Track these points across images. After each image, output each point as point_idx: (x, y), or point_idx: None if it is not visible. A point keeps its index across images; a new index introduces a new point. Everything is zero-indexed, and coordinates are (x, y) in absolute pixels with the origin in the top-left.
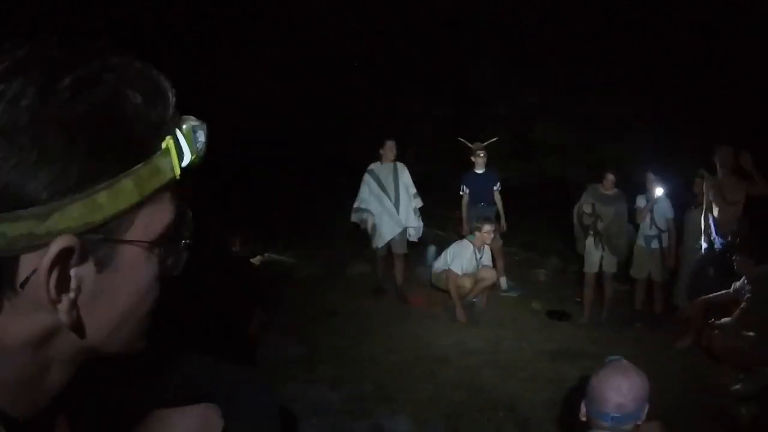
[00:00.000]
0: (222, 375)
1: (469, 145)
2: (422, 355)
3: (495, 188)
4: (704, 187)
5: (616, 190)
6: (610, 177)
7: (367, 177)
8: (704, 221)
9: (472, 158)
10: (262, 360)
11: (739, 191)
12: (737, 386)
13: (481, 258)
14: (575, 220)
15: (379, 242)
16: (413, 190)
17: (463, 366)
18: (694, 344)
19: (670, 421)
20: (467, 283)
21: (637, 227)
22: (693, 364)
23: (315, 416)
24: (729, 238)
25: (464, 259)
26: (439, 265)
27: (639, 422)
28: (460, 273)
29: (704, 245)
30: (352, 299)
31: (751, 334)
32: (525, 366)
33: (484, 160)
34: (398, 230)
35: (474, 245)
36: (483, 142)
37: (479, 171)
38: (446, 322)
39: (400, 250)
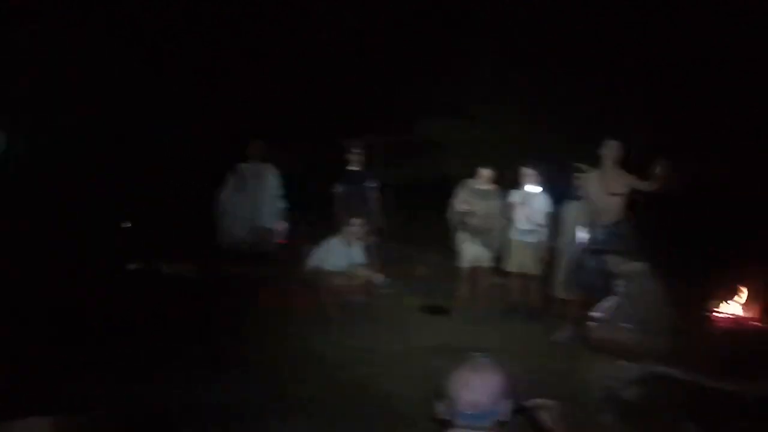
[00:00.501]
0: None
1: (345, 143)
2: (296, 356)
3: (371, 185)
4: (586, 179)
5: (490, 185)
6: (484, 172)
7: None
8: (585, 213)
9: (348, 156)
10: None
11: (622, 184)
12: (617, 375)
13: (353, 255)
14: (449, 215)
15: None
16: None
17: (337, 365)
18: (573, 336)
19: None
20: (340, 281)
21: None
22: (571, 355)
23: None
24: (609, 230)
25: (335, 256)
26: (310, 263)
27: (501, 418)
28: (331, 272)
29: (584, 237)
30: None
31: (626, 326)
32: (399, 362)
33: (360, 157)
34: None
35: (345, 242)
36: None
37: (354, 168)
38: (320, 322)
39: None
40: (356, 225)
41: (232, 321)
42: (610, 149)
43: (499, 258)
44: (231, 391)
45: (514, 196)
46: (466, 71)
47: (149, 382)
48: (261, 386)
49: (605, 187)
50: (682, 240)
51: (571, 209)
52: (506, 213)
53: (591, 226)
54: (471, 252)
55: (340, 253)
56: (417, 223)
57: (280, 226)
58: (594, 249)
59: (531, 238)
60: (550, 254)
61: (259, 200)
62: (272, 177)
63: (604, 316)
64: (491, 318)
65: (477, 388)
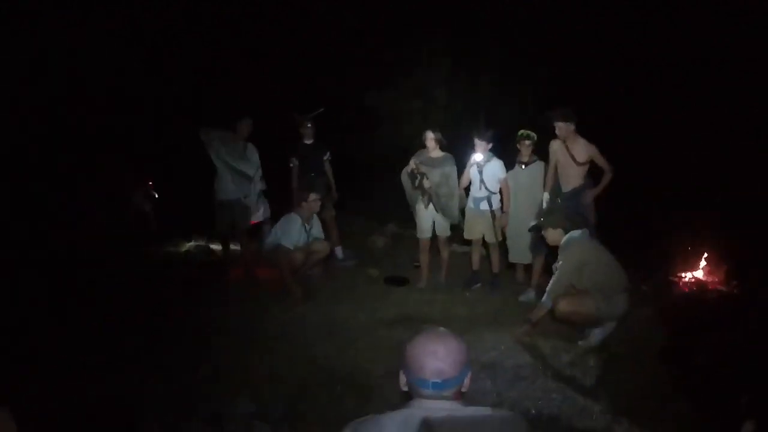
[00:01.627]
0: None
1: (297, 116)
2: (258, 334)
3: (325, 158)
4: (552, 146)
5: (442, 152)
6: (430, 135)
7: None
8: (550, 179)
9: (300, 130)
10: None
11: (584, 154)
12: (582, 342)
13: (311, 230)
14: (404, 185)
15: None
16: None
17: (300, 342)
18: (537, 298)
19: (517, 384)
20: (299, 257)
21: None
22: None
23: (152, 403)
24: (570, 196)
25: (293, 232)
26: (269, 241)
27: (463, 388)
28: (291, 247)
29: (548, 201)
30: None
31: (579, 296)
32: (363, 334)
33: (312, 130)
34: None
35: (302, 217)
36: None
37: (308, 142)
38: (282, 299)
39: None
40: (313, 199)
41: (196, 296)
42: (565, 126)
43: (457, 226)
44: (192, 365)
45: (468, 165)
46: (416, 44)
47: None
48: (224, 367)
49: (567, 155)
50: (643, 210)
51: (519, 175)
52: (461, 181)
53: (552, 192)
54: (428, 221)
55: (298, 229)
56: (374, 194)
57: (261, 205)
58: (541, 224)
59: (485, 206)
60: (506, 220)
61: (245, 179)
62: (256, 156)
63: (554, 290)
64: (453, 287)
65: (442, 356)
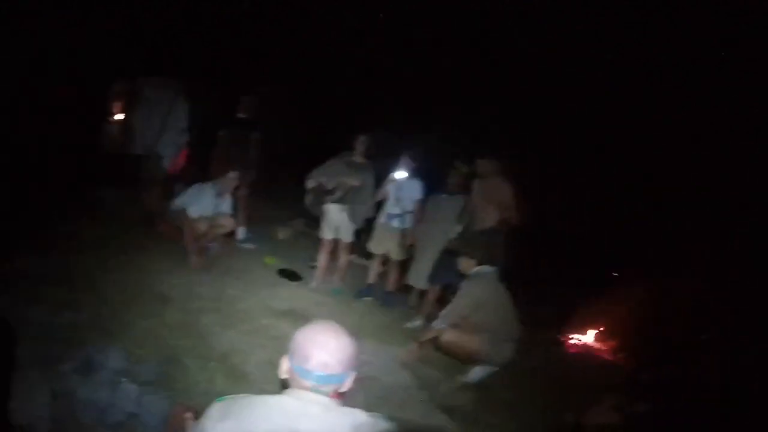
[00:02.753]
0: None
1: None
2: (146, 291)
3: (253, 136)
4: (474, 183)
5: (365, 159)
6: (361, 139)
7: None
8: (467, 215)
9: (239, 105)
10: None
11: (502, 196)
12: (461, 377)
13: (221, 204)
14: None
15: None
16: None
17: (185, 309)
18: (425, 328)
19: (389, 402)
20: (202, 227)
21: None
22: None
23: (28, 339)
24: (480, 234)
25: (203, 202)
26: (177, 203)
27: (341, 389)
28: (195, 216)
29: (455, 234)
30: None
31: (465, 332)
32: (247, 319)
33: (250, 106)
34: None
35: (216, 189)
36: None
37: (242, 115)
38: (178, 261)
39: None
40: (232, 177)
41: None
42: (488, 163)
43: (360, 235)
44: (80, 313)
45: (389, 180)
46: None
47: None
48: (106, 316)
49: (486, 195)
50: (551, 263)
51: (441, 202)
52: (377, 193)
53: (465, 226)
54: (333, 223)
55: (208, 200)
56: (293, 185)
57: (176, 156)
58: (458, 248)
59: (398, 223)
60: (414, 241)
61: (162, 126)
62: (182, 108)
63: (449, 316)
64: (345, 294)
65: (331, 350)
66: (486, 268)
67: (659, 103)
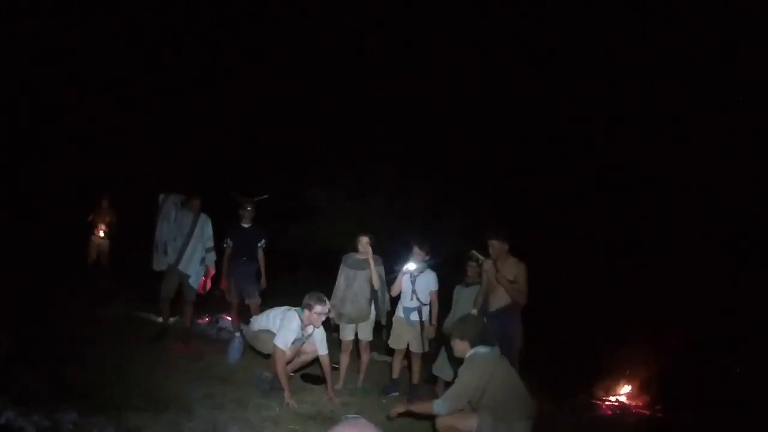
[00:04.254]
0: None
1: (240, 198)
2: (169, 407)
3: (259, 245)
4: (483, 266)
5: (370, 255)
6: (364, 240)
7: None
8: (480, 297)
9: (240, 211)
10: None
11: (512, 273)
12: None
13: (309, 336)
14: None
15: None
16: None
17: (211, 421)
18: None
19: None
20: (289, 355)
21: (396, 298)
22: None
23: None
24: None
25: (289, 333)
26: (257, 328)
27: None
28: (284, 348)
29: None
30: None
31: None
32: (274, 427)
33: (252, 214)
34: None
35: (302, 321)
36: (254, 197)
37: (245, 225)
38: (198, 375)
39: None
40: (320, 312)
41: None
42: (499, 245)
43: (381, 332)
44: None
45: (402, 272)
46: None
47: None
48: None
49: (498, 275)
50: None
51: (462, 293)
52: (392, 288)
53: (479, 310)
54: (352, 325)
55: (295, 331)
56: (300, 287)
57: (201, 276)
58: (451, 331)
59: (415, 316)
60: (436, 334)
61: (190, 248)
62: (207, 228)
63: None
64: (369, 392)
65: None
66: (481, 349)
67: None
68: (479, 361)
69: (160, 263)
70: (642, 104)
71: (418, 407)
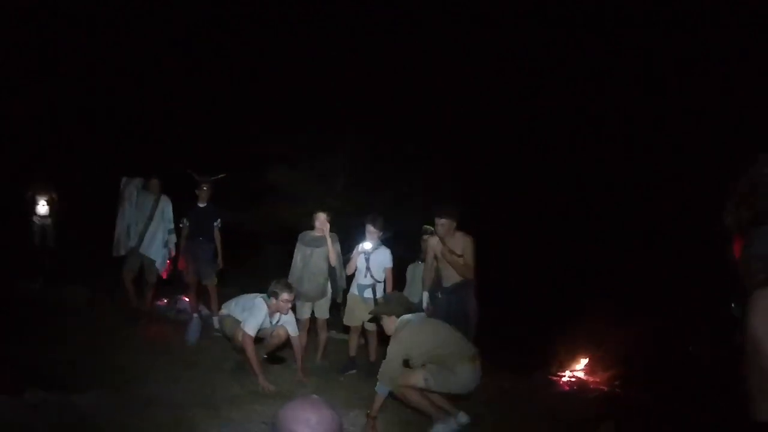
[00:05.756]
0: None
1: (196, 177)
2: (130, 389)
3: (216, 224)
4: (429, 241)
5: (326, 232)
6: (321, 216)
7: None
8: (428, 276)
9: (196, 191)
10: None
11: (461, 247)
12: None
13: (276, 323)
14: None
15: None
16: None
17: (174, 405)
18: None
19: None
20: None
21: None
22: (410, 415)
23: None
24: (449, 292)
25: (257, 319)
26: (227, 314)
27: None
28: (252, 334)
29: (428, 299)
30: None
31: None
32: (237, 407)
33: (208, 194)
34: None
35: (269, 308)
36: (211, 176)
37: (201, 205)
38: (159, 357)
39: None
40: (286, 299)
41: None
42: (447, 222)
43: (338, 310)
44: None
45: (357, 251)
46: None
47: None
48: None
49: (444, 250)
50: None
51: (417, 270)
52: (347, 267)
53: (433, 286)
54: (307, 304)
55: (263, 318)
56: (258, 268)
57: (165, 258)
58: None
59: (370, 293)
60: None
61: (151, 230)
62: (168, 209)
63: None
64: (328, 371)
65: (314, 425)
66: (407, 316)
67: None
68: (407, 328)
69: (121, 248)
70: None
71: (373, 409)
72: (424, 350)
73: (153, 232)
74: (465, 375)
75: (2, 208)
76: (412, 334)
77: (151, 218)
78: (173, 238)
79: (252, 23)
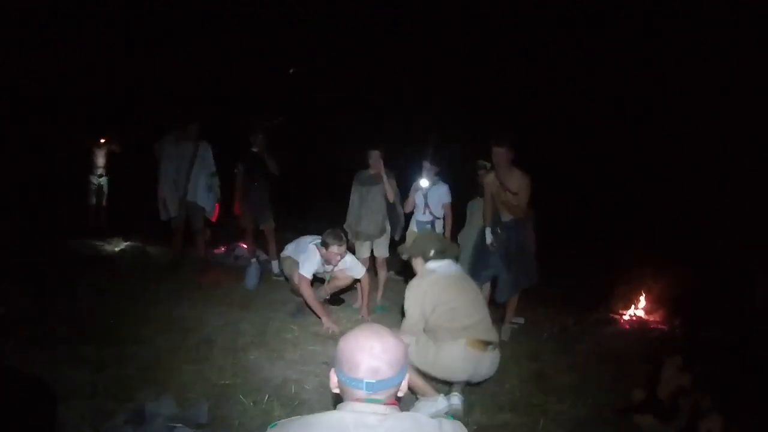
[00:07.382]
0: None
1: (252, 121)
2: (189, 337)
3: (271, 170)
4: (486, 178)
5: (381, 169)
6: (375, 153)
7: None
8: (487, 212)
9: (251, 137)
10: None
11: (515, 185)
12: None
13: (333, 269)
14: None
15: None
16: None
17: (231, 348)
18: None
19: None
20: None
21: (409, 214)
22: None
23: (76, 399)
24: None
25: (313, 265)
26: (290, 251)
27: (399, 392)
28: (309, 277)
29: (489, 234)
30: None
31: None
32: (294, 348)
33: (263, 139)
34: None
35: (321, 259)
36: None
37: (256, 150)
38: (218, 303)
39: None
40: (336, 252)
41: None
42: (503, 152)
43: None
44: (125, 368)
45: (414, 188)
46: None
47: None
48: (152, 366)
49: (501, 186)
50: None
51: (476, 205)
52: (405, 204)
53: (493, 222)
54: (366, 243)
55: (318, 265)
56: (314, 213)
57: (213, 203)
58: (500, 242)
59: (430, 230)
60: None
61: (193, 177)
62: (207, 154)
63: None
64: (389, 310)
65: (378, 353)
66: (433, 264)
67: None
68: (426, 278)
69: (169, 210)
70: None
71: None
72: (442, 310)
73: (195, 179)
74: (453, 356)
75: (63, 165)
76: (434, 287)
77: (192, 165)
78: (216, 181)
79: None
